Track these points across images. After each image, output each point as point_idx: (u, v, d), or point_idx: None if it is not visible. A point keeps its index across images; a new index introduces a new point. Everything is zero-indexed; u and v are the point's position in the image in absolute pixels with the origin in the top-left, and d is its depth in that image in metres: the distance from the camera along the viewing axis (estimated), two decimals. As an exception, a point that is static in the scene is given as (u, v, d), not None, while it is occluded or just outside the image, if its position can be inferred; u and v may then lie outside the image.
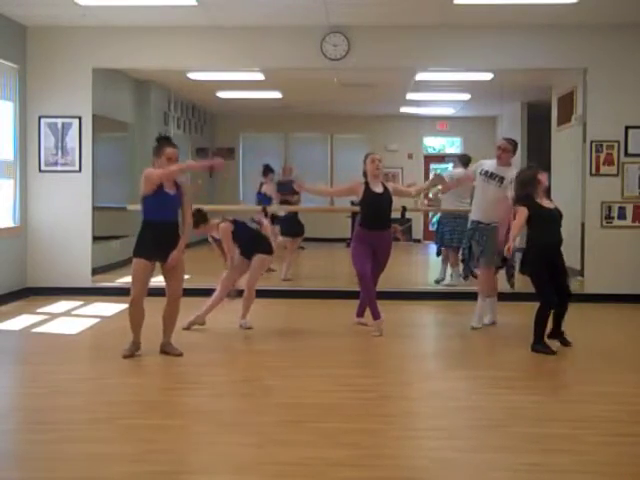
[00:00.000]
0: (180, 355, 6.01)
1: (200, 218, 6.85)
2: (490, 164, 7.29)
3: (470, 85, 12.46)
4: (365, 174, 7.08)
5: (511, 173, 7.05)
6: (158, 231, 5.91)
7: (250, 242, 7.11)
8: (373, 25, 8.89)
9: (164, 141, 6.04)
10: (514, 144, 7.31)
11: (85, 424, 4.44)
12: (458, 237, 9.67)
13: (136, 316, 5.99)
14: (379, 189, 6.98)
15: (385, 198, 6.98)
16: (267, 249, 7.18)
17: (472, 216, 7.57)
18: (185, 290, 6.20)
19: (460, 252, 9.06)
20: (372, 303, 6.93)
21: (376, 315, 6.93)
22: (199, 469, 3.78)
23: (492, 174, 7.16)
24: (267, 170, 11.25)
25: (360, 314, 7.26)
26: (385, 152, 17.57)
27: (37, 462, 3.86)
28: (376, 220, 6.97)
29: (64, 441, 4.12)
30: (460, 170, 9.68)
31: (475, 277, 7.63)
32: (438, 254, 10.44)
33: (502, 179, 7.15)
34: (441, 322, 8.10)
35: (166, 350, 6.06)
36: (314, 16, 8.50)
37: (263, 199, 10.85)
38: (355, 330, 7.22)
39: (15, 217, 8.96)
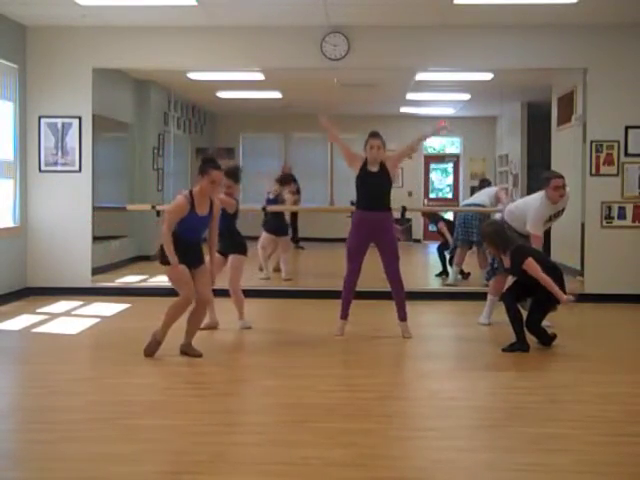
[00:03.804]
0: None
1: (237, 174, 7.01)
2: (548, 206, 6.99)
3: (470, 85, 12.47)
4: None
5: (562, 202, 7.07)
6: (184, 245, 5.93)
7: (229, 238, 7.07)
8: (373, 25, 8.89)
9: (210, 163, 6.00)
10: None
11: (85, 424, 4.43)
12: (466, 231, 9.68)
13: (178, 316, 5.97)
14: (375, 168, 6.78)
15: (381, 176, 6.75)
16: (242, 250, 7.16)
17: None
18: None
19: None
20: (345, 302, 6.92)
21: (342, 315, 6.94)
22: (199, 469, 3.77)
23: (556, 214, 7.11)
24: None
25: (402, 317, 6.94)
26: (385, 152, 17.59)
27: (37, 462, 3.86)
28: (372, 200, 6.75)
29: (64, 441, 4.12)
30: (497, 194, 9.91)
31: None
32: (451, 252, 10.34)
33: (561, 211, 7.18)
34: (440, 322, 8.10)
35: (187, 351, 6.06)
36: (314, 16, 8.50)
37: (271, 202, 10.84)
38: (354, 330, 7.22)
39: (15, 217, 8.96)
